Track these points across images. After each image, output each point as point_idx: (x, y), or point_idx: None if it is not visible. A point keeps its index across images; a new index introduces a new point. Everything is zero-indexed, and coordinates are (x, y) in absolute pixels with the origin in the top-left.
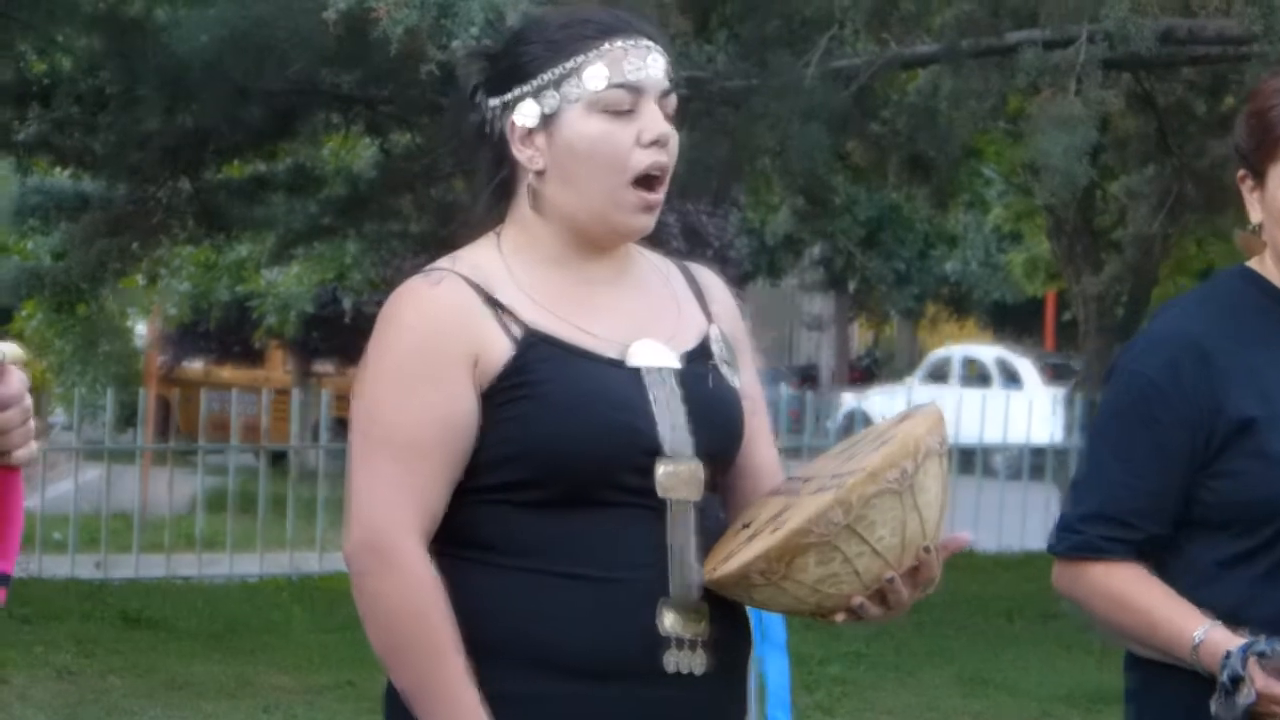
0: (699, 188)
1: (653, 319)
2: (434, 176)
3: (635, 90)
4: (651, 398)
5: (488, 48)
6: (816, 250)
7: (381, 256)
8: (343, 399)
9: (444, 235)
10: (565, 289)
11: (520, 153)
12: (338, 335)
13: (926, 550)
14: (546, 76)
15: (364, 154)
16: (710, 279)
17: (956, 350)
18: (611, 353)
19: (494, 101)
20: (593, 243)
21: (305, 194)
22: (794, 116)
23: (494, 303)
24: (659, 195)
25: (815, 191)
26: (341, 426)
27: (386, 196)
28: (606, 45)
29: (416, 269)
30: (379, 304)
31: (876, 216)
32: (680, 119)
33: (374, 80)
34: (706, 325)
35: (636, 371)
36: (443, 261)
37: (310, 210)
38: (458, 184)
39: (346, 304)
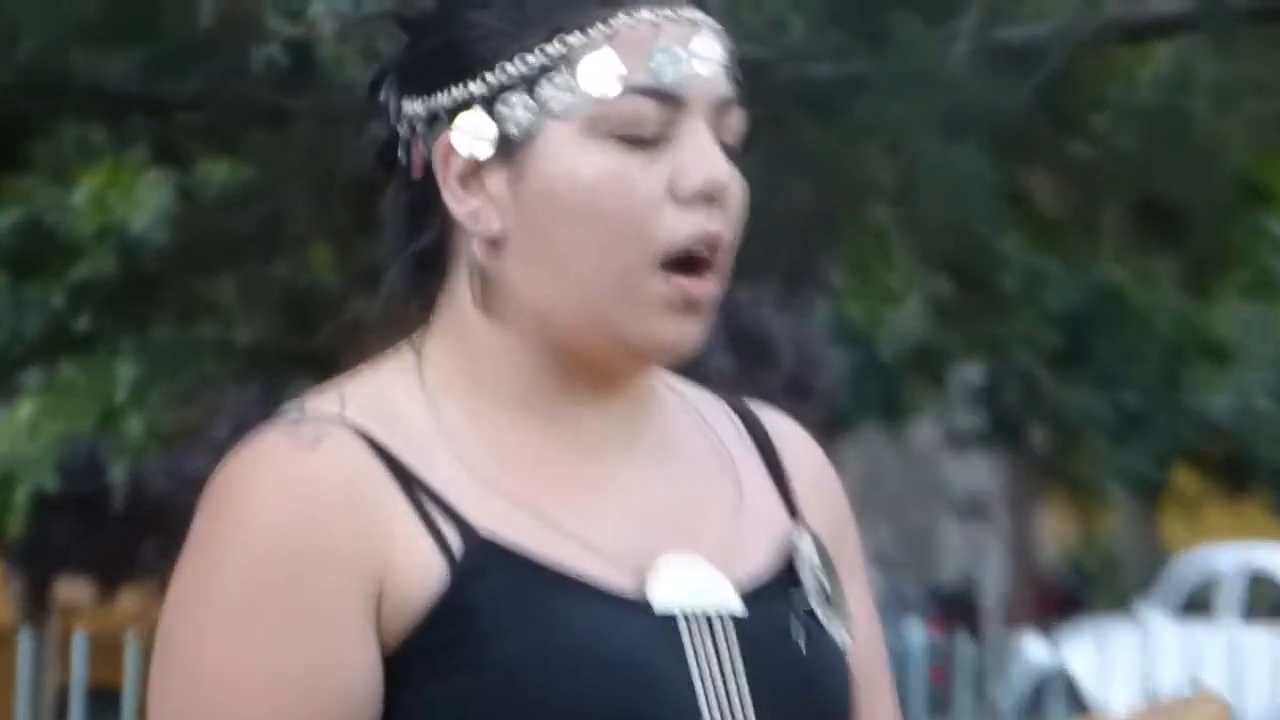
0: (759, 259)
1: (693, 515)
2: (278, 240)
3: (671, 101)
4: (694, 666)
5: (406, 11)
6: (973, 373)
7: (182, 387)
8: (109, 651)
9: (307, 350)
10: (538, 456)
11: (459, 202)
12: (100, 533)
13: None
14: (512, 70)
15: (149, 200)
16: (793, 436)
17: (1230, 555)
18: (621, 581)
19: (413, 107)
20: (587, 371)
21: (41, 272)
22: (931, 128)
23: (413, 482)
24: (709, 284)
25: (969, 264)
26: (108, 701)
27: (190, 275)
28: (622, 17)
29: (254, 412)
30: (189, 481)
31: (1081, 310)
32: (747, 147)
33: (168, 70)
34: (789, 526)
35: (669, 621)
36: (320, 400)
37: (51, 302)
38: (322, 253)
39: (117, 475)
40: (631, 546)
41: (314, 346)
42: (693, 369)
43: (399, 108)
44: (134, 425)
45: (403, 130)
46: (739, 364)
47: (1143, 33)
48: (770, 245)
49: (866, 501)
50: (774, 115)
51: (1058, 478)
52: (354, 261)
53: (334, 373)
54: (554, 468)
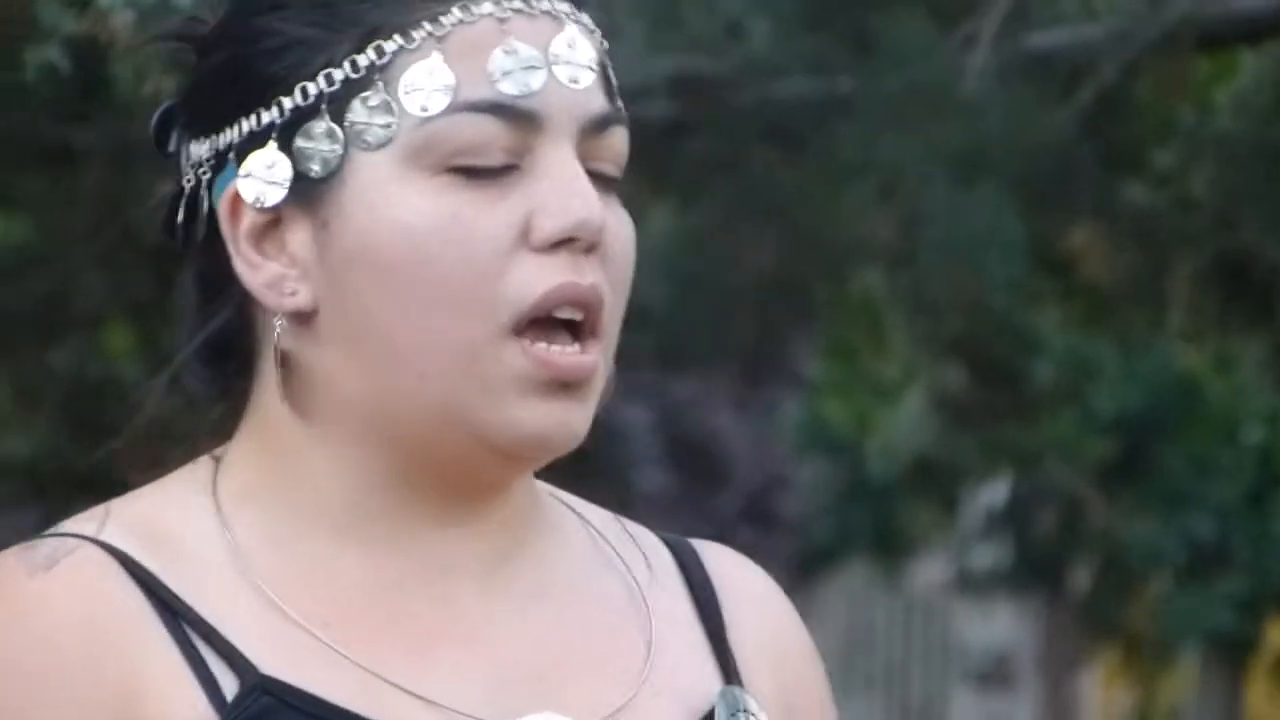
0: (707, 342)
1: (575, 670)
2: (62, 319)
3: (522, 119)
4: None
5: (188, 23)
6: (995, 495)
7: None
8: None
9: (102, 464)
10: (363, 588)
11: (252, 268)
12: None
13: None
14: (314, 90)
15: None
16: (741, 580)
17: None
18: None
19: (200, 150)
20: (438, 481)
21: None
22: (939, 166)
23: (180, 614)
24: (584, 354)
25: (990, 349)
26: None
27: None
28: (455, 13)
29: None
30: None
31: (1140, 410)
32: (642, 182)
33: None
34: (717, 684)
35: None
36: (80, 519)
37: None
38: (118, 336)
39: None
40: (481, 705)
41: (111, 461)
42: (619, 489)
43: (186, 154)
44: None
45: (188, 182)
46: (681, 483)
47: (1224, 38)
48: (723, 324)
49: (854, 664)
50: (729, 150)
51: (1107, 632)
52: (162, 346)
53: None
54: (384, 603)
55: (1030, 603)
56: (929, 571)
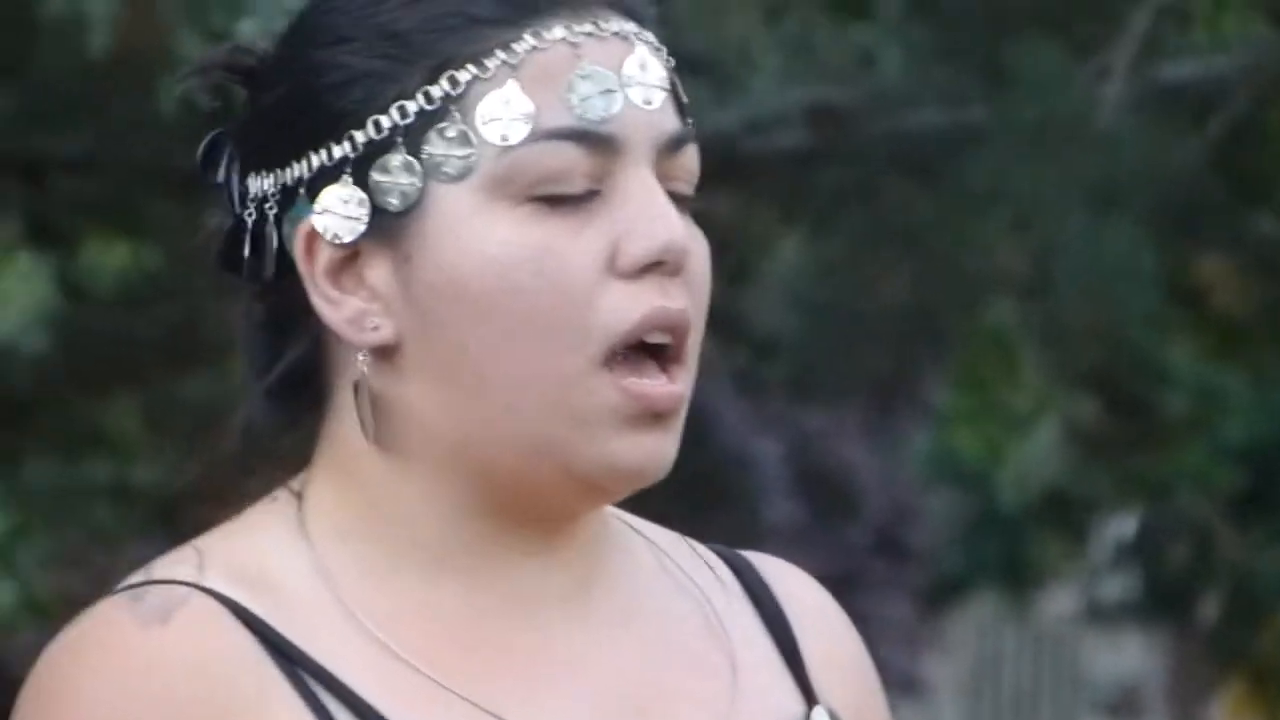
0: (838, 372)
1: (668, 697)
2: (191, 347)
3: (602, 144)
4: None
5: (234, 53)
6: (1125, 526)
7: (65, 541)
8: None
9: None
10: (457, 621)
11: (332, 304)
12: None
13: None
14: (387, 123)
15: (20, 293)
16: (805, 594)
17: None
18: None
19: (261, 184)
20: (522, 510)
21: None
22: (1072, 198)
23: (296, 661)
24: (673, 384)
25: (1122, 380)
26: None
27: (76, 395)
28: (528, 39)
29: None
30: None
31: (1270, 441)
32: (774, 211)
33: (45, 119)
34: (800, 709)
35: None
36: (172, 562)
37: None
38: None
39: None
40: None
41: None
42: (749, 520)
43: (243, 188)
44: (2, 591)
45: (249, 216)
46: (810, 514)
47: None
48: (853, 354)
49: (983, 694)
50: (862, 179)
51: (1236, 663)
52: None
53: (204, 525)
54: (482, 636)
55: (1159, 634)
56: (1058, 602)
